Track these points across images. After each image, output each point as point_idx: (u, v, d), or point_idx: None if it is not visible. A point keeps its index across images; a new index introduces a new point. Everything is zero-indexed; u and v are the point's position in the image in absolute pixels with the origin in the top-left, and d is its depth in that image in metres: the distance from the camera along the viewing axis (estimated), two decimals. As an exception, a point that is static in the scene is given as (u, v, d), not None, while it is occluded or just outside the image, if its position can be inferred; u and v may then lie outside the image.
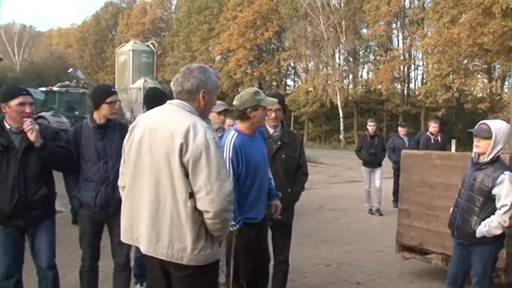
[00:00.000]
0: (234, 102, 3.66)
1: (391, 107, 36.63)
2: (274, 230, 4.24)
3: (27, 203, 3.63)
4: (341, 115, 37.14)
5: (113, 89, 4.19)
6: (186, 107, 2.65)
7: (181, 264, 2.57)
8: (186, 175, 2.49)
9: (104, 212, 3.89)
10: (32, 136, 3.55)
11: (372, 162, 9.47)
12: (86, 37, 62.36)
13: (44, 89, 21.00)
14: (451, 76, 30.40)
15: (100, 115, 3.98)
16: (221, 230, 2.59)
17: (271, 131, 4.27)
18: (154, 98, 4.46)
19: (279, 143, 4.25)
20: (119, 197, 2.93)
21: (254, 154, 3.51)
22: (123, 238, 2.80)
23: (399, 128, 10.43)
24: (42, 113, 17.94)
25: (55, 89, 20.13)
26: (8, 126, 3.66)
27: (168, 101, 2.75)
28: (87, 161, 3.93)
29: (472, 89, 32.22)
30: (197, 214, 2.52)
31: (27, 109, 3.60)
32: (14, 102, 3.58)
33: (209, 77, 2.71)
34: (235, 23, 41.52)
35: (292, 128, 35.18)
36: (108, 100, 3.95)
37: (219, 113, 4.94)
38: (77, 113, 19.48)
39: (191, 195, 2.50)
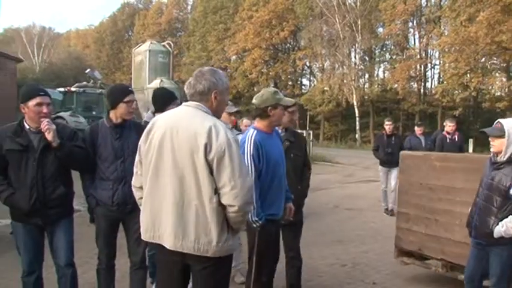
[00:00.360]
0: (254, 101, 3.76)
1: (408, 106, 36.35)
2: (284, 227, 4.30)
3: (45, 201, 3.70)
4: (357, 114, 36.97)
5: (130, 89, 4.24)
6: (203, 108, 2.77)
7: (204, 257, 2.69)
8: (211, 172, 2.63)
9: (121, 211, 3.93)
10: (49, 136, 3.62)
11: (389, 161, 9.34)
12: (103, 38, 62.92)
13: (62, 89, 21.29)
14: (468, 75, 30.05)
15: (117, 114, 4.01)
16: (242, 222, 2.80)
17: (279, 131, 4.38)
18: (163, 98, 4.57)
19: (287, 143, 4.40)
20: None
21: (273, 151, 3.61)
22: (145, 237, 2.87)
23: (415, 128, 10.34)
24: (61, 113, 18.18)
25: (73, 89, 20.39)
26: (27, 126, 3.73)
27: (184, 103, 2.87)
28: (104, 160, 3.97)
29: (490, 87, 31.79)
30: (221, 209, 2.65)
31: (45, 109, 3.66)
32: (31, 103, 3.65)
33: (219, 78, 2.84)
34: (251, 23, 41.55)
35: (308, 128, 35.10)
36: (125, 99, 3.99)
37: (230, 113, 5.00)
38: (94, 113, 19.71)
39: (215, 191, 2.64)
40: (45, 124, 3.62)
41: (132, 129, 4.05)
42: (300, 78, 47.81)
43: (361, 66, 39.95)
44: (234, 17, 45.22)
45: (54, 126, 3.68)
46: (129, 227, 3.96)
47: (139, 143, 2.93)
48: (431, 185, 4.84)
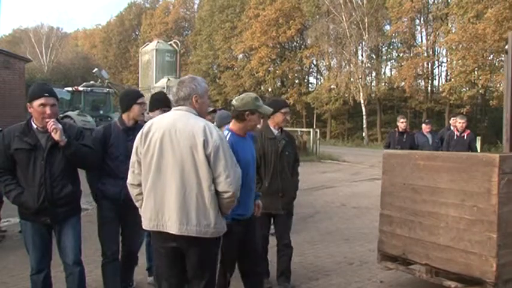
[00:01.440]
0: (234, 102, 4.01)
1: (415, 104, 36.21)
2: (277, 217, 5.03)
3: (53, 200, 3.74)
4: (364, 112, 36.88)
5: (141, 92, 4.64)
6: (191, 110, 3.27)
7: (198, 239, 3.14)
8: (209, 164, 3.09)
9: (127, 206, 4.05)
10: (56, 135, 3.68)
11: None
12: (110, 37, 63.17)
13: (70, 88, 21.43)
14: (476, 72, 29.88)
15: (130, 116, 4.35)
16: (231, 206, 3.25)
17: (275, 132, 5.05)
18: (158, 101, 4.93)
19: (283, 142, 5.05)
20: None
21: (244, 153, 3.83)
22: (149, 226, 3.26)
23: (423, 125, 10.29)
24: (68, 112, 18.32)
25: (80, 88, 20.51)
26: (34, 126, 3.78)
27: (174, 108, 3.33)
28: (115, 159, 4.22)
29: (498, 85, 31.58)
30: (216, 195, 3.14)
31: (47, 111, 3.70)
32: (36, 103, 3.71)
33: (198, 84, 3.33)
34: (258, 21, 41.52)
35: (314, 126, 35.10)
36: (138, 101, 4.35)
37: (208, 113, 5.23)
38: (101, 112, 19.84)
39: (212, 180, 3.10)
40: (51, 124, 3.67)
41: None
42: (306, 77, 47.75)
43: (368, 64, 39.82)
44: (240, 15, 45.22)
45: (60, 126, 3.74)
46: (130, 219, 4.12)
47: (136, 145, 3.30)
48: (415, 185, 4.59)
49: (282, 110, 4.99)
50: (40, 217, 3.76)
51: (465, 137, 8.96)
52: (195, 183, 3.10)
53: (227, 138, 3.78)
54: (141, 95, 4.49)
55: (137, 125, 4.30)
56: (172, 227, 3.13)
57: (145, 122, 4.58)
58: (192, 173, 3.09)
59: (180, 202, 3.11)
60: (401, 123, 9.45)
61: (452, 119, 10.02)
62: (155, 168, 3.17)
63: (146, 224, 3.26)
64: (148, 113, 4.95)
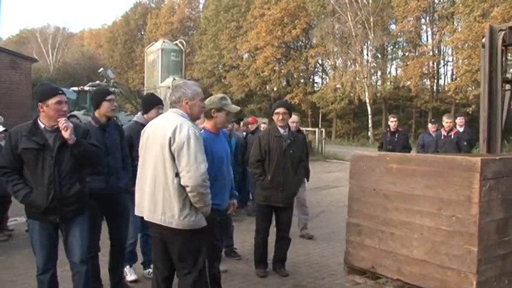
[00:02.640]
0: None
1: (420, 104, 36.11)
2: (277, 210, 5.54)
3: (62, 199, 3.78)
4: (369, 112, 36.81)
5: (109, 90, 4.90)
6: (178, 112, 3.65)
7: (173, 229, 3.48)
8: (173, 160, 3.43)
9: (111, 201, 4.35)
10: (66, 134, 3.71)
11: None
12: (116, 37, 63.29)
13: (75, 88, 21.56)
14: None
15: (101, 113, 4.57)
16: (199, 202, 3.46)
17: (281, 131, 5.53)
18: (149, 102, 5.25)
19: (288, 141, 5.49)
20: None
21: (217, 149, 4.14)
22: (136, 212, 3.72)
23: (429, 125, 10.25)
24: (74, 112, 18.41)
25: (86, 88, 20.63)
26: (42, 125, 3.79)
27: (169, 109, 3.72)
28: None
29: (504, 84, 31.46)
30: (182, 189, 3.42)
31: (64, 107, 3.79)
32: (52, 101, 3.73)
33: (188, 88, 3.73)
34: (263, 21, 41.52)
35: (320, 125, 35.03)
36: (107, 98, 4.58)
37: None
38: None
39: (177, 174, 3.42)
40: (63, 122, 3.72)
41: (115, 128, 4.67)
42: (312, 76, 47.75)
43: (374, 64, 39.71)
44: (246, 15, 45.22)
45: (71, 124, 3.80)
46: (115, 214, 4.34)
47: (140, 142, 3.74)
48: (387, 191, 4.03)
49: (276, 111, 5.54)
50: (49, 216, 3.79)
51: (452, 136, 8.87)
52: (163, 177, 3.46)
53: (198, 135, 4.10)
54: (110, 92, 4.72)
55: (111, 122, 4.63)
56: (144, 214, 3.61)
57: (142, 123, 4.80)
58: (160, 167, 3.47)
59: (151, 193, 3.52)
60: (391, 123, 9.35)
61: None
62: (141, 163, 3.67)
63: (136, 210, 3.73)
64: (143, 116, 5.12)
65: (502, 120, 5.16)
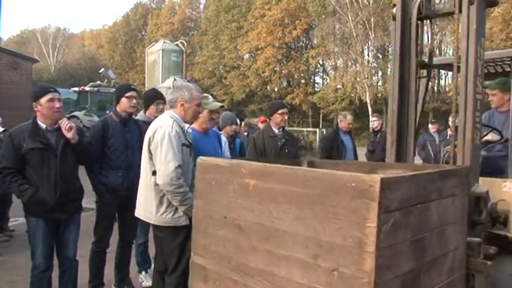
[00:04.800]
0: None
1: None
2: None
3: (68, 195, 3.90)
4: (370, 112, 36.76)
5: (132, 86, 4.95)
6: (169, 113, 3.85)
7: (156, 226, 3.75)
8: (151, 159, 3.69)
9: (129, 196, 4.36)
10: (70, 133, 3.82)
11: (368, 160, 8.66)
12: (117, 38, 63.29)
13: (76, 89, 21.59)
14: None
15: (120, 109, 4.67)
16: (173, 200, 3.62)
17: (276, 131, 5.61)
18: (147, 100, 5.26)
19: (283, 140, 5.58)
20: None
21: (205, 148, 4.23)
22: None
23: (430, 125, 10.27)
24: (75, 112, 18.44)
25: (87, 89, 20.65)
26: (42, 126, 3.84)
27: (166, 111, 3.94)
28: (115, 150, 4.54)
29: (506, 84, 31.48)
30: (158, 187, 3.64)
31: (57, 104, 3.85)
32: (44, 99, 3.80)
33: (187, 90, 3.86)
34: (264, 21, 41.53)
35: (321, 126, 35.06)
36: (127, 94, 4.66)
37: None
38: (108, 112, 19.88)
39: (154, 173, 3.66)
40: (65, 123, 3.82)
41: (135, 124, 4.79)
42: (312, 77, 47.71)
43: (374, 64, 39.72)
44: (246, 15, 45.23)
45: (74, 124, 3.93)
46: (131, 210, 4.30)
47: None
48: (242, 221, 2.68)
49: (279, 111, 5.59)
50: (54, 213, 3.86)
51: (436, 141, 8.82)
52: (144, 174, 3.78)
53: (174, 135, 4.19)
54: (131, 89, 4.76)
55: (131, 118, 4.74)
56: (136, 210, 3.93)
57: (143, 121, 4.84)
58: (143, 166, 3.79)
59: (140, 191, 3.85)
60: (372, 122, 9.05)
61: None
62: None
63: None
64: (145, 113, 5.14)
65: (416, 115, 3.77)
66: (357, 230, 2.12)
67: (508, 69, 4.89)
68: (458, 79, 3.45)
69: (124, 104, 4.64)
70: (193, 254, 3.06)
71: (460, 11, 3.39)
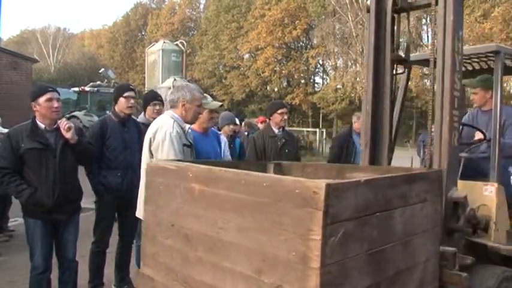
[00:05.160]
0: None
1: (421, 104, 36.09)
2: None
3: (66, 195, 3.87)
4: (370, 112, 36.79)
5: (130, 87, 4.92)
6: (169, 113, 3.86)
7: None
8: (151, 158, 3.66)
9: (129, 196, 4.34)
10: (69, 134, 3.81)
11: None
12: (117, 38, 63.28)
13: (76, 89, 21.58)
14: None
15: (118, 109, 4.65)
16: None
17: (276, 131, 5.61)
18: (145, 101, 5.27)
19: (283, 140, 5.59)
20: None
21: (204, 148, 4.25)
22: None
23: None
24: (75, 113, 18.43)
25: (87, 89, 20.63)
26: (42, 126, 3.83)
27: (166, 111, 3.95)
28: (113, 150, 4.51)
29: (505, 84, 31.46)
30: None
31: (55, 103, 3.83)
32: (42, 99, 3.79)
33: (188, 91, 3.86)
34: (264, 21, 41.53)
35: (321, 126, 35.06)
36: (124, 94, 4.63)
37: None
38: (108, 112, 19.84)
39: None
40: (64, 123, 3.81)
41: (134, 124, 4.77)
42: (312, 77, 47.70)
43: (375, 64, 39.69)
44: (246, 15, 45.23)
45: (73, 124, 3.92)
46: (131, 210, 4.29)
47: None
48: (188, 229, 2.47)
49: (279, 111, 5.58)
50: (53, 214, 3.85)
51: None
52: (143, 173, 3.68)
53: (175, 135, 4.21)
54: (129, 89, 4.72)
55: (130, 118, 4.71)
56: (136, 210, 3.96)
57: (143, 123, 4.86)
58: (144, 166, 3.65)
59: (140, 190, 3.82)
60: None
61: None
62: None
63: None
64: (145, 116, 5.15)
65: (393, 114, 3.55)
66: (300, 243, 1.87)
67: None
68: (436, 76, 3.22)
69: (122, 104, 4.63)
70: (142, 264, 2.85)
71: (437, 3, 3.16)
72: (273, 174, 2.40)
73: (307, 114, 43.59)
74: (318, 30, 39.55)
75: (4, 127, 7.33)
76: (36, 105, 3.80)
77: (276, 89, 44.91)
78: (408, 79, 3.90)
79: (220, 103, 4.72)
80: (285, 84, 45.43)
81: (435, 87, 3.22)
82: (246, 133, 9.63)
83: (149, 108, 5.09)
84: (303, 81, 45.37)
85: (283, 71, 43.67)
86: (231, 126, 6.46)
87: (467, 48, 4.31)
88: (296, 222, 1.90)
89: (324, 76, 47.67)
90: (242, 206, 2.15)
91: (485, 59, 4.38)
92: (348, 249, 1.94)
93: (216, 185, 2.31)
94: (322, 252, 1.81)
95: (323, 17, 39.61)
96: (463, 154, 4.00)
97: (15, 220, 7.53)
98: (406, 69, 4.01)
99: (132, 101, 4.66)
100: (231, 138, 6.47)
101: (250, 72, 44.31)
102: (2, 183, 3.85)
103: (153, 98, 5.22)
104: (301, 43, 46.19)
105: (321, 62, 45.06)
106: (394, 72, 3.48)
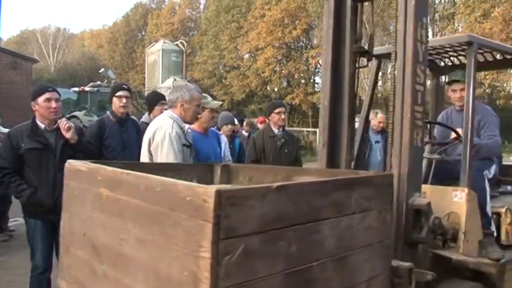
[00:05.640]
0: None
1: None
2: None
3: None
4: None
5: (123, 86, 4.95)
6: (168, 113, 3.85)
7: None
8: (151, 160, 3.66)
9: None
10: (69, 134, 3.80)
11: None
12: (117, 38, 63.26)
13: (76, 89, 21.62)
14: (482, 72, 29.76)
15: (113, 109, 4.68)
16: None
17: (275, 131, 5.61)
18: (150, 101, 5.34)
19: (283, 140, 5.58)
20: None
21: (204, 148, 4.24)
22: None
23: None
24: (75, 113, 18.46)
25: (87, 89, 20.66)
26: (42, 126, 3.84)
27: (165, 111, 3.94)
28: (112, 151, 4.52)
29: (505, 84, 31.47)
30: None
31: (53, 104, 3.83)
32: (41, 99, 3.80)
33: (186, 91, 3.83)
34: (264, 22, 41.51)
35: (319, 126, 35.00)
36: (117, 94, 4.66)
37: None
38: (108, 112, 19.88)
39: None
40: (64, 123, 3.80)
41: (133, 124, 4.79)
42: (312, 77, 47.64)
43: (374, 64, 39.68)
44: (246, 15, 45.22)
45: (73, 124, 3.93)
46: None
47: None
48: (96, 240, 2.19)
49: (276, 110, 5.60)
50: (53, 214, 3.84)
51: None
52: None
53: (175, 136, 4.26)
54: (121, 89, 4.74)
55: (128, 117, 4.74)
56: None
57: (147, 123, 4.86)
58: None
59: None
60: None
61: None
62: None
63: None
64: (149, 115, 5.16)
65: (353, 111, 3.11)
66: (192, 262, 1.56)
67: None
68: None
69: (115, 104, 4.64)
70: (58, 277, 2.54)
71: None
72: (166, 178, 1.83)
73: (307, 114, 43.56)
74: (318, 30, 39.53)
75: (4, 127, 7.34)
76: (36, 105, 3.82)
77: (276, 89, 44.90)
78: (377, 73, 3.58)
79: (221, 102, 4.74)
80: (285, 84, 45.41)
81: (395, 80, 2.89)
82: (247, 133, 9.66)
83: (157, 109, 5.08)
84: (303, 81, 45.34)
85: (283, 71, 43.64)
86: (229, 126, 6.47)
87: (437, 39, 4.06)
88: (188, 236, 1.59)
89: (324, 76, 47.64)
90: (141, 214, 1.83)
91: (464, 54, 4.02)
92: (255, 269, 1.62)
93: (119, 190, 2.01)
94: (213, 273, 1.49)
95: (323, 17, 39.57)
96: (435, 156, 3.79)
97: (15, 220, 7.54)
98: (375, 63, 3.75)
99: (124, 100, 4.66)
100: (231, 138, 6.48)
101: (250, 72, 44.29)
102: (2, 183, 3.86)
103: (161, 97, 5.24)
104: (301, 43, 46.16)
105: (321, 62, 45.04)
106: (357, 65, 3.11)
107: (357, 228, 2.05)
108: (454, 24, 34.41)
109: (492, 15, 27.02)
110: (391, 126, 2.84)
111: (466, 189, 3.28)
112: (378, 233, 2.19)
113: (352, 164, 3.09)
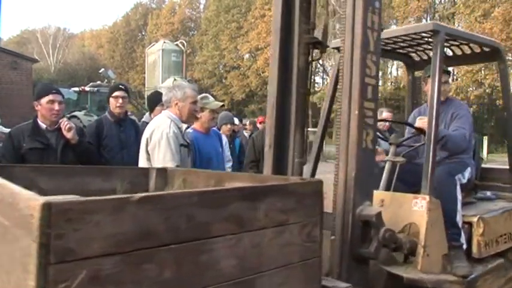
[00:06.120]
0: None
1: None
2: None
3: None
4: (370, 112, 36.79)
5: (120, 86, 4.94)
6: (167, 113, 3.81)
7: None
8: (148, 160, 3.66)
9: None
10: (69, 134, 3.80)
11: None
12: (117, 38, 63.30)
13: (76, 89, 21.59)
14: (482, 72, 29.78)
15: (111, 109, 4.66)
16: None
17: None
18: (152, 101, 5.34)
19: None
20: None
21: (205, 148, 4.25)
22: None
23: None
24: (75, 113, 18.44)
25: (87, 89, 20.65)
26: (43, 125, 3.84)
27: (163, 111, 3.91)
28: (110, 150, 4.50)
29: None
30: None
31: (56, 107, 3.82)
32: (44, 100, 3.79)
33: (179, 89, 3.82)
34: (264, 22, 41.55)
35: (320, 126, 35.07)
36: (113, 95, 4.64)
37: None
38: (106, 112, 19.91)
39: None
40: (65, 123, 3.79)
41: (131, 124, 4.78)
42: (313, 77, 47.65)
43: (374, 64, 39.70)
44: (246, 15, 45.26)
45: (74, 125, 3.90)
46: None
47: None
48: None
49: None
50: None
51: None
52: None
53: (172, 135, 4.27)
54: (118, 89, 4.75)
55: (127, 118, 4.73)
56: None
57: (144, 121, 4.88)
58: (140, 164, 3.75)
59: None
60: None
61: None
62: None
63: None
64: (150, 115, 5.17)
65: (304, 109, 2.74)
66: (14, 281, 1.31)
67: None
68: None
69: (112, 104, 4.65)
70: None
71: None
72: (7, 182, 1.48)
73: (307, 114, 43.56)
74: (318, 30, 39.52)
75: (4, 127, 7.34)
76: (38, 105, 3.82)
77: (276, 89, 44.88)
78: (339, 69, 2.97)
79: (222, 103, 4.73)
80: (285, 84, 45.42)
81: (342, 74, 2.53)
82: (250, 132, 9.73)
83: (158, 109, 5.04)
84: (303, 81, 45.35)
85: (283, 71, 43.64)
86: (229, 126, 6.48)
87: (401, 28, 3.76)
88: (20, 258, 1.26)
89: (324, 76, 47.68)
90: None
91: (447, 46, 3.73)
92: None
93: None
94: None
95: (323, 17, 39.57)
96: (399, 158, 3.41)
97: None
98: (338, 57, 3.25)
99: (120, 100, 4.64)
100: (231, 138, 6.48)
101: (250, 72, 44.31)
102: None
103: (161, 98, 5.26)
104: (301, 43, 46.18)
105: (320, 61, 45.02)
106: (310, 58, 2.68)
107: (267, 246, 1.70)
108: (454, 24, 34.41)
109: (492, 15, 27.04)
110: (338, 126, 2.51)
111: (427, 197, 2.86)
112: (301, 251, 1.82)
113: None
